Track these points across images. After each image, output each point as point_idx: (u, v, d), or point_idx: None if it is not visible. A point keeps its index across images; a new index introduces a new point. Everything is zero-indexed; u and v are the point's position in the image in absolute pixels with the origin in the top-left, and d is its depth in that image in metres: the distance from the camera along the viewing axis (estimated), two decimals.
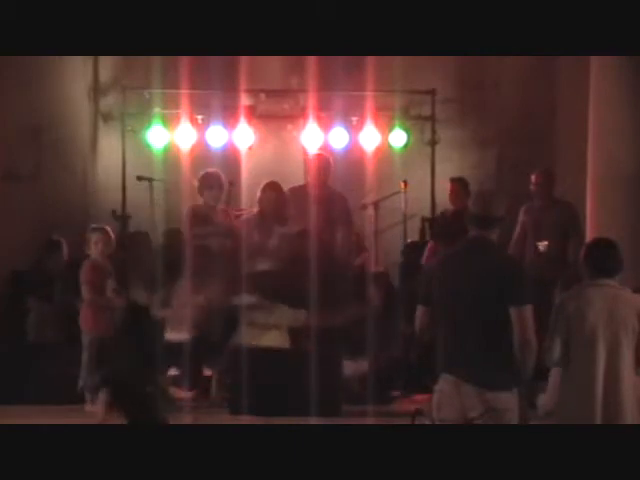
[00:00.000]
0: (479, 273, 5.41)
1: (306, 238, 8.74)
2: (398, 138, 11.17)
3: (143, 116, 11.01)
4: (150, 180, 10.44)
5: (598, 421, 5.86)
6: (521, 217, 9.44)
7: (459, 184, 10.00)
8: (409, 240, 10.53)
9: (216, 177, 9.15)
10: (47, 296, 9.02)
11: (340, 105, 11.17)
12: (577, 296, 6.06)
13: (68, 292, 8.80)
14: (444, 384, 5.48)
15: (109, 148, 11.30)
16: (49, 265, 9.06)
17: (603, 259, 6.06)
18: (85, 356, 8.49)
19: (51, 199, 9.62)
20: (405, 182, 10.71)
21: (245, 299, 8.62)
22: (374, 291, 9.17)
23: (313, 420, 7.61)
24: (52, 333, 8.95)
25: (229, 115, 10.96)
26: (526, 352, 5.31)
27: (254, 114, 11.15)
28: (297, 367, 8.08)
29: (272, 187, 9.16)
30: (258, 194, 9.19)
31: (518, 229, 9.42)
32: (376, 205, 10.86)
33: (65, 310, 8.94)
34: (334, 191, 9.57)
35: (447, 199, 10.16)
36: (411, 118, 11.35)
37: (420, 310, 5.67)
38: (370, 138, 11.06)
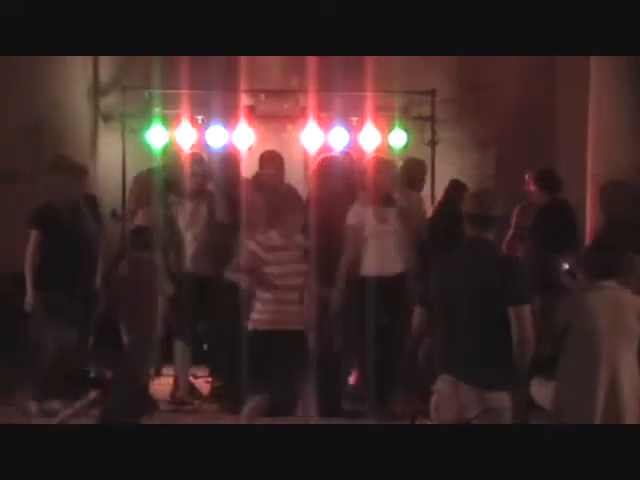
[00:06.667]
0: (477, 273, 5.42)
1: None
2: (398, 138, 11.16)
3: (143, 116, 11.01)
4: None
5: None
6: (516, 218, 9.25)
7: None
8: None
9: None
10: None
11: (340, 105, 11.16)
12: (576, 300, 6.02)
13: None
14: (443, 384, 5.49)
15: (109, 148, 11.29)
16: None
17: (600, 262, 6.01)
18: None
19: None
20: None
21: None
22: None
23: (313, 420, 7.61)
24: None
25: (229, 115, 10.94)
26: (524, 351, 5.33)
27: (254, 114, 11.15)
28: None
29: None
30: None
31: (512, 230, 9.28)
32: None
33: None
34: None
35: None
36: (411, 118, 11.35)
37: (418, 311, 5.69)
38: (370, 138, 11.05)
